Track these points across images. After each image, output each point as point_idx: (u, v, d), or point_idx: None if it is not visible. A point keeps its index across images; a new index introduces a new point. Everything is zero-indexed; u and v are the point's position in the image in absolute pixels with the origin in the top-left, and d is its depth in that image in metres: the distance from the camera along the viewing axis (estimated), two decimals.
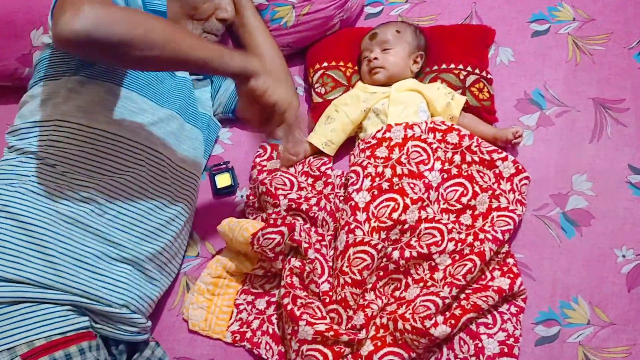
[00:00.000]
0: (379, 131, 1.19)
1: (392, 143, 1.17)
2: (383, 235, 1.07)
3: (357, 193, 1.11)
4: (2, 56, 1.37)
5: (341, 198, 1.19)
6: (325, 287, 1.06)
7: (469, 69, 1.28)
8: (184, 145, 1.18)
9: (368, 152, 1.17)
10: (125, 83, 1.08)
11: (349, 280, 1.04)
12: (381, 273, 1.07)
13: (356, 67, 1.35)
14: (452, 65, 1.29)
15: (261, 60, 1.28)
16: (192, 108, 1.23)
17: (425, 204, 1.10)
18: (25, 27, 1.35)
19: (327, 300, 1.05)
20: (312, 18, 1.36)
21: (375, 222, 1.07)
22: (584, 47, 1.36)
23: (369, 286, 1.06)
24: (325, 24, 1.38)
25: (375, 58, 1.26)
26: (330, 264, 1.10)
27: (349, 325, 1.03)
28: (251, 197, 1.25)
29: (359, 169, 1.15)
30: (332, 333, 0.99)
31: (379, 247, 1.06)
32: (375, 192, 1.10)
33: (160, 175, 1.09)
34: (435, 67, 1.31)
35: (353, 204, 1.10)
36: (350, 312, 1.03)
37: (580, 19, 1.40)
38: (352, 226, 1.07)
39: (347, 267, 1.05)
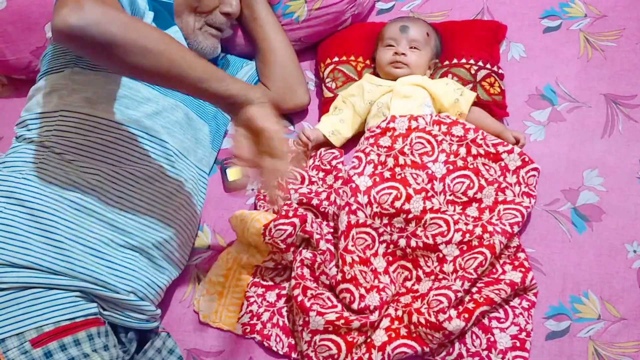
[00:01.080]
0: (383, 121, 1.19)
1: (396, 133, 1.17)
2: (385, 221, 1.08)
3: (358, 176, 1.11)
4: (16, 49, 1.39)
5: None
6: (334, 271, 1.07)
7: (480, 63, 1.28)
8: (189, 134, 1.18)
9: (372, 140, 1.18)
10: None
11: (357, 259, 1.05)
12: (390, 258, 1.08)
13: (367, 62, 1.35)
14: (463, 60, 1.29)
15: (272, 55, 1.31)
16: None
17: (430, 194, 1.10)
18: (39, 20, 1.36)
19: (334, 284, 1.06)
20: (323, 13, 1.36)
21: (377, 207, 1.07)
22: (595, 43, 1.35)
23: (382, 269, 1.06)
24: (336, 19, 1.38)
25: (404, 54, 1.25)
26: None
27: (362, 305, 1.03)
28: (262, 191, 1.25)
29: (361, 154, 1.16)
30: (342, 321, 1.00)
31: (380, 230, 1.07)
32: (377, 179, 1.11)
33: (166, 164, 1.09)
34: (447, 62, 1.31)
35: (354, 185, 1.10)
36: (362, 290, 1.03)
37: (592, 15, 1.39)
38: (354, 207, 1.07)
39: (352, 246, 1.06)
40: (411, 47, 1.26)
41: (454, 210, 1.12)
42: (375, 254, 1.06)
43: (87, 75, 1.06)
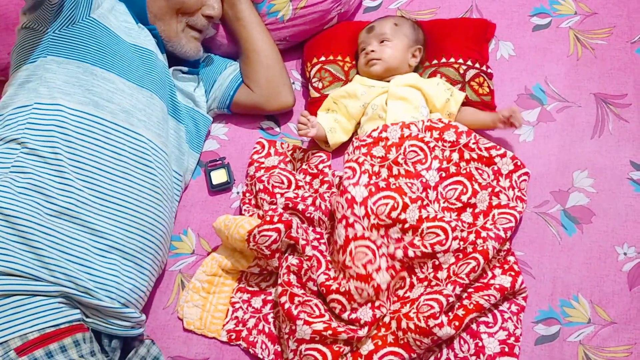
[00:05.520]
0: (374, 130, 1.17)
1: (389, 143, 1.15)
2: (382, 232, 1.05)
3: (353, 187, 1.09)
4: None
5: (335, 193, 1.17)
6: (322, 278, 1.05)
7: (469, 63, 1.26)
8: (165, 127, 1.15)
9: (364, 150, 1.15)
10: (101, 64, 1.07)
11: (354, 274, 1.02)
12: (393, 273, 1.05)
13: (354, 62, 1.33)
14: (452, 59, 1.27)
15: (255, 55, 1.29)
16: (170, 93, 1.21)
17: (425, 203, 1.08)
18: (18, 20, 1.32)
19: (325, 292, 1.04)
20: (309, 12, 1.33)
21: (374, 219, 1.05)
22: (585, 41, 1.34)
23: (385, 285, 1.03)
24: (322, 18, 1.36)
25: (373, 50, 1.24)
26: (329, 258, 1.09)
27: (353, 317, 1.01)
28: (247, 194, 1.23)
29: (355, 165, 1.13)
30: (330, 332, 0.98)
31: (379, 243, 1.04)
32: (373, 189, 1.08)
33: (142, 158, 1.07)
34: (435, 62, 1.29)
35: (349, 197, 1.07)
36: (355, 305, 1.02)
37: (582, 12, 1.37)
38: (351, 220, 1.05)
39: (349, 261, 1.03)
40: (382, 42, 1.24)
41: (450, 217, 1.10)
42: (379, 269, 1.03)
43: (60, 64, 1.04)
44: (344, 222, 1.06)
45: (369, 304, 1.02)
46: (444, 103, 1.20)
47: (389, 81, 1.24)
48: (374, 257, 1.03)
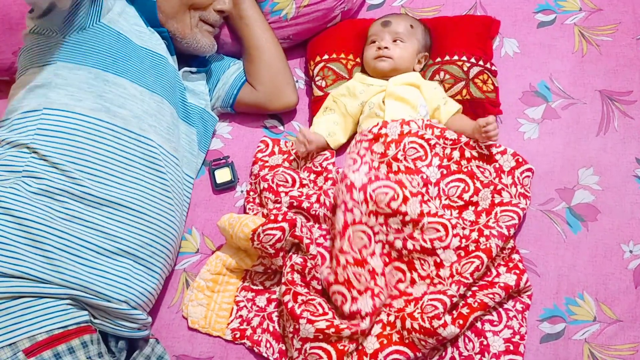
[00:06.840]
0: (374, 126, 1.16)
1: (388, 139, 1.14)
2: (381, 220, 1.05)
3: (353, 173, 1.08)
4: None
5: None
6: (326, 272, 1.05)
7: (472, 60, 1.26)
8: (176, 131, 1.16)
9: (365, 144, 1.15)
10: (112, 69, 1.07)
11: (351, 260, 1.02)
12: (386, 259, 1.05)
13: (357, 60, 1.33)
14: (456, 57, 1.26)
15: (258, 54, 1.29)
16: (181, 96, 1.22)
17: (426, 198, 1.08)
18: (21, 20, 1.32)
19: (326, 285, 1.04)
20: (312, 10, 1.33)
21: (373, 205, 1.05)
22: (590, 38, 1.33)
23: (379, 270, 1.04)
24: (326, 16, 1.35)
25: (387, 47, 1.22)
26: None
27: (354, 308, 1.01)
28: (251, 193, 1.23)
29: (356, 157, 1.13)
30: (333, 330, 0.98)
31: (376, 229, 1.05)
32: (372, 177, 1.08)
33: (153, 164, 1.07)
34: (439, 59, 1.28)
35: (349, 182, 1.06)
36: (355, 293, 1.01)
37: (587, 9, 1.37)
38: (350, 205, 1.04)
39: (347, 246, 1.03)
40: (395, 41, 1.24)
41: (451, 215, 1.10)
42: (373, 254, 1.04)
43: (71, 70, 1.04)
44: (342, 207, 1.05)
45: (369, 292, 1.02)
46: (434, 108, 1.20)
47: (387, 79, 1.23)
48: (369, 241, 1.04)
